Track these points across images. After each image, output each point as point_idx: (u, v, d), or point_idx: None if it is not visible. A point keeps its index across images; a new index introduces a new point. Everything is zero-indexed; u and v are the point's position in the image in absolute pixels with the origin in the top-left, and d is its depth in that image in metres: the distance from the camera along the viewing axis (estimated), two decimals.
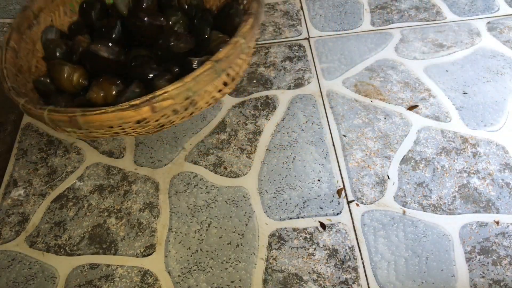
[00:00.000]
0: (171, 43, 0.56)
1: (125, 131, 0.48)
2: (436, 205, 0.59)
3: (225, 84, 0.47)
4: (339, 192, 0.60)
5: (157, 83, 0.51)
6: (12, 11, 0.89)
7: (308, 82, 0.74)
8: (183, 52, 0.57)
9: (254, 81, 0.75)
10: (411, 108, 0.69)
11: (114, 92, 0.51)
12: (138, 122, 0.44)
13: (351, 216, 0.58)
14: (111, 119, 0.43)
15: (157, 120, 0.45)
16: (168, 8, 0.65)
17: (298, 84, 0.74)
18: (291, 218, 0.59)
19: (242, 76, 0.52)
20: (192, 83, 0.42)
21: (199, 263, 0.55)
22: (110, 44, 0.58)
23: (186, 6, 0.66)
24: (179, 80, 0.42)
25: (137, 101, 0.42)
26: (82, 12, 0.66)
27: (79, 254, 0.57)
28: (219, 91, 0.48)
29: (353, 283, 0.53)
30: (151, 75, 0.53)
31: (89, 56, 0.57)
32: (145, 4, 0.64)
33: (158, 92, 0.41)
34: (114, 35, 0.61)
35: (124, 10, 0.65)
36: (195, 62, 0.50)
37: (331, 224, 0.58)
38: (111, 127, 0.45)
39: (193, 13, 0.65)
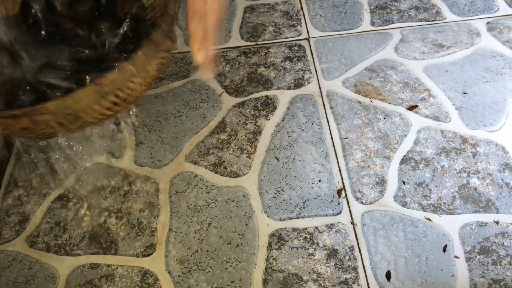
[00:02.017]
0: (80, 51, 0.56)
1: (15, 135, 0.50)
2: (436, 205, 0.59)
3: (116, 104, 0.48)
4: (339, 192, 0.60)
5: (51, 94, 0.51)
6: None
7: (308, 82, 0.74)
8: (92, 60, 0.57)
9: (254, 81, 0.75)
10: (411, 108, 0.69)
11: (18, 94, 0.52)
12: (24, 129, 0.45)
13: (351, 216, 0.58)
14: None
15: (42, 129, 0.47)
16: (104, 15, 0.63)
17: (298, 84, 0.74)
18: (291, 218, 0.59)
19: (139, 97, 0.52)
20: (71, 102, 0.43)
21: (199, 263, 0.55)
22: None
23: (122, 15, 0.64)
24: (59, 97, 0.43)
25: (18, 112, 0.43)
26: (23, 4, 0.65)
27: (80, 254, 0.57)
28: (109, 109, 0.49)
29: (353, 283, 0.53)
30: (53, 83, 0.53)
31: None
32: (81, 8, 0.63)
33: (37, 107, 0.43)
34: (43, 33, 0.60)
35: (60, 7, 0.64)
36: (87, 79, 0.51)
37: (331, 224, 0.58)
38: None
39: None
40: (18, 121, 0.43)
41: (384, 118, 0.68)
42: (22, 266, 0.57)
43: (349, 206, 0.59)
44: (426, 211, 0.58)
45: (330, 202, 0.60)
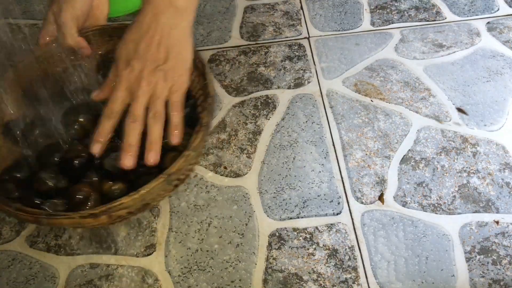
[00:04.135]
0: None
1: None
2: (436, 205, 0.59)
3: (176, 185, 0.52)
4: (342, 192, 0.61)
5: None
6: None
7: (308, 82, 0.74)
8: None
9: (254, 81, 0.75)
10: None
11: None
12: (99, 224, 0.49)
13: (351, 216, 0.58)
14: (71, 224, 0.49)
15: (114, 220, 0.49)
16: None
17: (298, 83, 0.74)
18: (291, 218, 0.59)
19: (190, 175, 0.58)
20: (145, 194, 0.46)
21: (199, 263, 0.55)
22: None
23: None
24: (135, 191, 0.45)
25: (96, 211, 0.45)
26: None
27: (80, 254, 0.57)
28: (171, 190, 0.53)
29: (353, 283, 0.53)
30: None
31: None
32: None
33: (114, 204, 0.45)
34: None
35: None
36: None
37: (331, 224, 0.58)
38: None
39: None
40: (97, 219, 0.46)
41: (384, 118, 0.68)
42: (22, 266, 0.57)
43: (349, 206, 0.59)
44: (426, 211, 0.58)
45: (330, 202, 0.60)
